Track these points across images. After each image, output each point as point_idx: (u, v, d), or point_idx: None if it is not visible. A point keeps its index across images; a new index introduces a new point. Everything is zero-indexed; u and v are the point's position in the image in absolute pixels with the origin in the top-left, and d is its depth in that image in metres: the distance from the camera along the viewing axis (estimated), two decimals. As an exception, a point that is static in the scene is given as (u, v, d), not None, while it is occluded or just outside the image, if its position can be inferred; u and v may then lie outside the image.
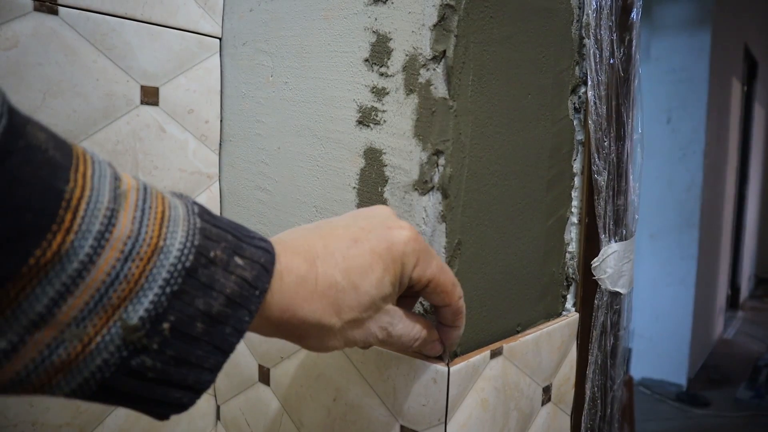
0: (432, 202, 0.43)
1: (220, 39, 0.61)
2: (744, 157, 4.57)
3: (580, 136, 0.57)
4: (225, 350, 0.28)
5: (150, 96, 0.56)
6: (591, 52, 0.55)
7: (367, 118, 0.46)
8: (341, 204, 0.49)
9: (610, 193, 0.57)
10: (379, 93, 0.45)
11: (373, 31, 0.45)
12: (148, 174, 0.56)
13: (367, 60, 0.46)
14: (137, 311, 0.25)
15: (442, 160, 0.42)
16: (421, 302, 0.44)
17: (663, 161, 3.21)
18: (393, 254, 0.34)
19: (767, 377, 3.27)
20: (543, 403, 0.54)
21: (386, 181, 0.45)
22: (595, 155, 0.56)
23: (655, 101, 3.20)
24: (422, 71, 0.43)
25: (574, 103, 0.56)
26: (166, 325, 0.25)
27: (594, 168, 0.56)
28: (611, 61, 0.56)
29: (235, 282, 0.28)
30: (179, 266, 0.26)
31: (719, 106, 3.40)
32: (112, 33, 0.52)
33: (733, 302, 4.79)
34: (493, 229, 0.47)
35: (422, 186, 0.43)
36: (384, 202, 0.45)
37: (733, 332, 4.31)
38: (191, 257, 0.26)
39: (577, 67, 0.56)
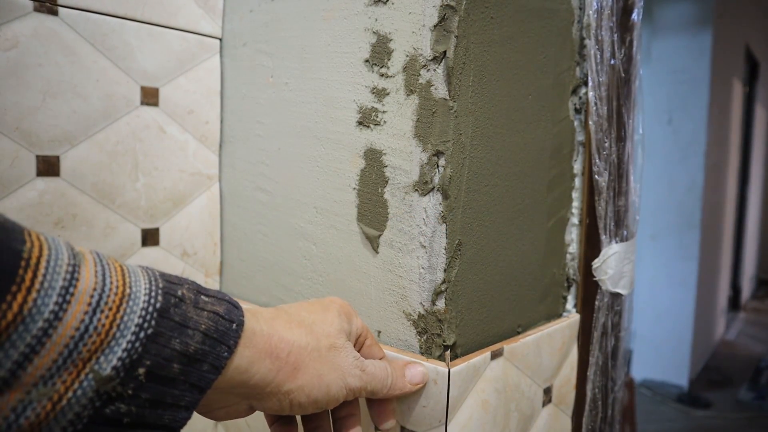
0: (432, 202, 0.43)
1: (220, 40, 0.61)
2: (745, 158, 4.56)
3: (580, 137, 0.57)
4: (202, 387, 0.28)
5: (150, 97, 0.56)
6: (592, 52, 0.55)
7: (367, 119, 0.46)
8: (341, 205, 0.49)
9: (611, 193, 0.57)
10: (380, 94, 0.45)
11: (374, 32, 0.45)
12: (148, 175, 0.56)
13: (367, 61, 0.46)
14: (110, 361, 0.24)
15: (442, 161, 0.42)
16: None
17: (664, 162, 3.21)
18: (337, 305, 0.39)
19: (769, 378, 3.26)
20: (544, 405, 0.54)
21: (386, 181, 0.45)
22: (596, 156, 0.55)
23: (656, 102, 3.19)
24: (423, 72, 0.43)
25: (575, 104, 0.56)
26: (141, 371, 0.25)
27: (595, 169, 0.56)
28: (612, 61, 0.56)
29: (208, 317, 0.28)
30: (150, 308, 0.26)
31: (720, 106, 3.40)
32: (112, 34, 0.52)
33: (734, 303, 4.78)
34: (493, 230, 0.47)
35: (422, 187, 0.43)
36: (384, 203, 0.45)
37: (735, 333, 4.30)
38: (160, 298, 0.26)
39: (577, 68, 0.56)
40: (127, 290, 0.25)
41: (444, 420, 0.42)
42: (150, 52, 0.55)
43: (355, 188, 0.48)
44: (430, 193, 0.43)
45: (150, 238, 0.57)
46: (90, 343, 0.24)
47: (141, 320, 0.25)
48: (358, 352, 0.40)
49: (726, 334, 4.24)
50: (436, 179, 0.42)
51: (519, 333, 0.51)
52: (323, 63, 0.49)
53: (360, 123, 0.47)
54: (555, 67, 0.52)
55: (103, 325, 0.24)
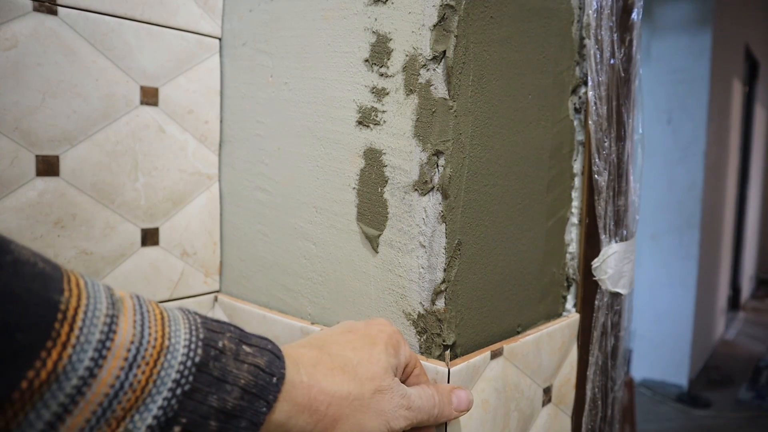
0: (432, 202, 0.43)
1: (219, 39, 0.60)
2: (745, 157, 4.56)
3: (580, 137, 0.57)
4: None
5: (149, 96, 0.56)
6: (591, 52, 0.55)
7: (366, 119, 0.46)
8: (341, 204, 0.49)
9: (611, 193, 0.57)
10: (379, 93, 0.45)
11: (373, 32, 0.45)
12: (147, 174, 0.56)
13: (367, 60, 0.46)
14: (145, 420, 0.23)
15: (442, 161, 0.42)
16: None
17: (663, 162, 3.21)
18: (385, 335, 0.37)
19: (768, 378, 3.26)
20: (543, 404, 0.54)
21: (386, 181, 0.45)
22: (596, 155, 0.55)
23: (656, 102, 3.19)
24: (422, 71, 0.43)
25: (575, 104, 0.56)
26: (177, 429, 0.24)
27: (594, 168, 0.56)
28: (612, 61, 0.56)
29: (248, 371, 0.27)
30: (188, 363, 0.24)
31: (720, 106, 3.40)
32: (111, 33, 0.52)
33: (734, 303, 4.79)
34: (493, 230, 0.47)
35: (422, 186, 0.43)
36: (384, 202, 0.45)
37: (734, 333, 4.30)
38: (200, 351, 0.25)
39: (577, 68, 0.56)
40: (166, 342, 0.24)
41: (444, 420, 0.42)
42: (149, 52, 0.55)
43: (354, 188, 0.48)
44: (430, 193, 0.43)
45: (150, 237, 0.57)
46: (125, 401, 0.23)
47: (179, 375, 0.24)
48: (406, 381, 0.39)
49: (725, 334, 4.24)
50: (436, 179, 0.42)
51: (519, 333, 0.51)
52: (323, 63, 0.49)
53: (360, 123, 0.47)
54: (555, 67, 0.52)
55: (140, 381, 0.23)
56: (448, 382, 0.41)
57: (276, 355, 0.29)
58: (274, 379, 0.28)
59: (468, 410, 0.40)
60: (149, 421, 0.23)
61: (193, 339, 0.25)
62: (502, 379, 0.47)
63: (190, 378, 0.24)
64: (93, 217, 0.53)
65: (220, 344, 0.26)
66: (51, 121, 0.49)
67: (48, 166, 0.50)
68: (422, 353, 0.44)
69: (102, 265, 0.53)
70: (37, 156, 0.49)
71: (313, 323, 0.52)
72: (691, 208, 3.18)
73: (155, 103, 0.56)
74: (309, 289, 0.53)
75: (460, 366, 0.42)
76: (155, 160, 0.57)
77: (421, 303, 0.44)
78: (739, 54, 3.89)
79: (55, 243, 0.50)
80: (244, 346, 0.28)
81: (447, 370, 0.41)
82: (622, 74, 0.57)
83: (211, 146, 0.61)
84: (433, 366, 0.42)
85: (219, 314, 0.61)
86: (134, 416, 0.23)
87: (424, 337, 0.44)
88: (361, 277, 0.48)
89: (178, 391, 0.24)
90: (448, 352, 0.43)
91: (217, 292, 0.62)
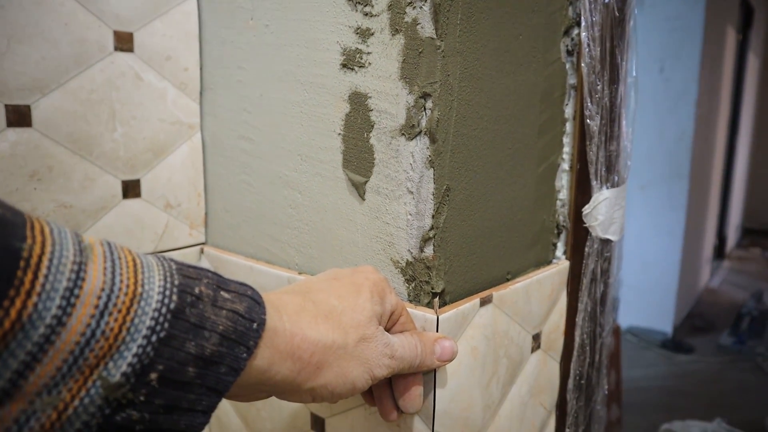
0: (419, 147, 0.41)
1: (196, -20, 0.57)
2: (736, 107, 4.54)
3: (572, 80, 0.55)
4: (220, 390, 0.27)
5: (124, 42, 0.53)
6: (585, -10, 0.52)
7: (351, 61, 0.44)
8: (326, 151, 0.47)
9: (603, 138, 0.56)
10: (364, 34, 0.43)
11: (356, -33, 0.43)
12: (126, 124, 0.54)
13: (350, -1, 0.44)
14: (119, 367, 0.23)
15: (429, 104, 0.41)
16: None
17: (654, 112, 3.19)
18: (371, 282, 0.37)
19: (749, 324, 3.35)
20: (533, 351, 0.54)
21: (372, 126, 0.44)
22: (588, 99, 0.54)
23: (649, 50, 3.14)
24: (408, 10, 0.40)
25: (567, 46, 0.54)
26: (153, 376, 0.24)
27: (586, 113, 0.54)
28: (606, 0, 0.54)
29: (227, 317, 0.26)
30: (163, 309, 0.24)
31: (713, 55, 3.35)
32: (79, -27, 0.49)
33: (719, 252, 4.87)
34: (482, 175, 0.46)
35: (409, 130, 0.41)
36: (370, 148, 0.44)
37: (719, 281, 4.39)
38: (175, 297, 0.25)
39: (570, 8, 0.54)
40: (139, 289, 0.24)
41: (433, 366, 0.42)
42: (121, -6, 0.52)
43: (340, 134, 0.46)
44: (417, 137, 0.41)
45: (131, 189, 0.55)
46: (97, 349, 0.22)
47: (153, 322, 0.23)
48: (391, 328, 0.39)
49: (710, 282, 4.33)
50: (423, 122, 0.41)
51: (508, 280, 0.51)
52: (305, 2, 0.47)
53: (344, 65, 0.45)
54: (547, 6, 0.50)
55: (112, 329, 0.22)
56: (437, 329, 0.41)
57: (256, 301, 0.29)
58: (254, 325, 0.28)
59: (451, 360, 0.40)
60: (123, 368, 0.23)
61: (168, 286, 0.25)
62: (492, 326, 0.47)
63: (166, 325, 0.24)
64: (70, 170, 0.51)
65: (197, 290, 0.26)
66: (19, 69, 0.47)
67: (19, 117, 0.47)
68: (411, 301, 0.44)
69: (83, 218, 0.52)
70: (6, 105, 0.46)
71: (300, 273, 0.51)
72: (680, 159, 3.18)
73: (130, 49, 0.54)
74: (295, 239, 0.52)
75: (449, 313, 0.42)
76: (133, 109, 0.54)
77: (409, 250, 0.43)
78: (733, 0, 3.82)
79: (31, 196, 0.49)
80: (222, 292, 0.27)
81: (436, 317, 0.41)
82: (617, 14, 0.55)
83: (191, 94, 0.59)
84: (421, 314, 0.42)
85: (205, 266, 0.60)
86: (108, 364, 0.22)
87: (413, 284, 0.43)
88: (348, 225, 0.47)
89: (153, 338, 0.23)
90: (436, 299, 0.43)
91: (203, 244, 0.61)
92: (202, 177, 0.60)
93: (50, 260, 0.21)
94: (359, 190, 0.45)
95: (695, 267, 3.79)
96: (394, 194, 0.43)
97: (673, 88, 3.14)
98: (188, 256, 0.60)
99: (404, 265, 0.44)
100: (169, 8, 0.56)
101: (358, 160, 0.45)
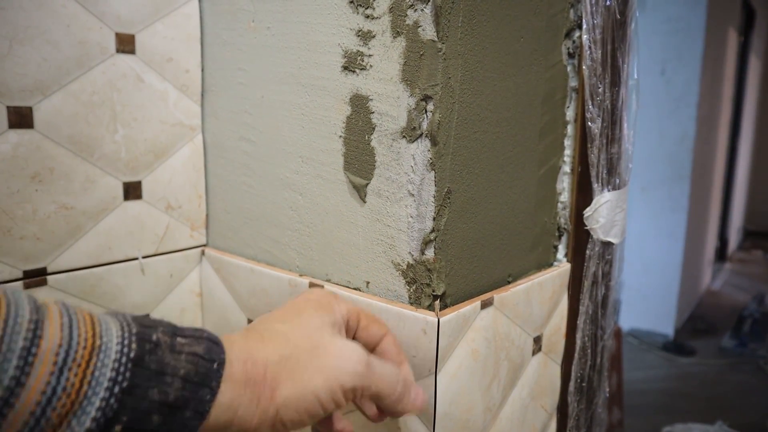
0: (420, 149, 0.41)
1: (197, -18, 0.57)
2: (737, 108, 4.54)
3: (573, 83, 0.55)
4: None
5: (125, 44, 0.53)
6: (587, -8, 0.52)
7: (352, 64, 0.44)
8: (327, 153, 0.47)
9: (604, 141, 0.56)
10: (365, 36, 0.43)
11: (358, -31, 0.43)
12: (127, 126, 0.54)
13: (351, 1, 0.44)
14: (83, 423, 0.22)
15: (430, 106, 0.41)
16: None
17: (656, 114, 3.19)
18: (312, 300, 0.37)
19: (751, 326, 3.35)
20: (533, 353, 0.54)
21: (373, 128, 0.44)
22: (589, 102, 0.54)
23: (650, 52, 3.14)
24: (409, 12, 0.40)
25: (568, 48, 0.54)
26: (118, 428, 0.23)
27: (588, 115, 0.54)
28: (607, 2, 0.54)
29: (187, 360, 0.26)
30: (124, 359, 0.24)
31: (714, 57, 3.35)
32: (80, -25, 0.49)
33: (721, 254, 4.86)
34: (483, 178, 0.46)
35: (410, 133, 0.41)
36: (371, 150, 0.44)
37: (720, 284, 4.39)
38: (134, 346, 0.24)
39: (571, 10, 0.54)
40: (98, 341, 0.23)
41: (434, 369, 0.42)
42: (123, -4, 0.52)
43: (341, 136, 0.46)
44: (419, 140, 0.41)
45: (132, 191, 0.55)
46: (60, 407, 0.22)
47: (114, 373, 0.23)
48: (355, 334, 0.38)
49: (712, 284, 4.32)
50: (425, 125, 0.41)
51: (509, 282, 0.51)
52: (306, 5, 0.47)
53: (345, 68, 0.45)
54: (548, 9, 0.50)
55: (73, 385, 0.22)
56: (438, 332, 0.41)
57: (214, 342, 0.29)
58: (215, 365, 0.27)
59: (420, 410, 0.39)
60: (88, 424, 0.22)
61: (126, 335, 0.25)
62: (493, 328, 0.47)
63: (127, 374, 0.24)
64: (72, 171, 0.51)
65: (155, 337, 0.26)
66: (21, 70, 0.47)
67: (21, 118, 0.47)
68: (411, 303, 0.44)
69: (84, 219, 0.52)
70: (8, 107, 0.46)
71: (301, 275, 0.51)
72: (681, 160, 3.18)
73: (132, 51, 0.54)
74: (296, 241, 0.52)
75: (450, 316, 0.42)
76: (135, 111, 0.54)
77: (410, 253, 0.43)
78: (735, 2, 3.82)
79: (33, 198, 0.49)
80: (179, 338, 0.27)
81: (437, 320, 0.41)
82: (618, 16, 0.55)
83: (192, 96, 0.59)
84: (422, 316, 0.42)
85: (207, 268, 0.60)
86: (71, 422, 0.22)
87: (414, 287, 0.43)
88: (349, 228, 0.47)
89: (116, 389, 0.23)
90: (437, 302, 0.43)
91: (204, 245, 0.61)
92: (203, 179, 0.60)
93: (5, 321, 0.21)
94: (360, 192, 0.45)
95: (697, 269, 3.79)
96: (395, 197, 0.43)
97: (675, 90, 3.14)
98: (189, 258, 0.60)
99: (405, 267, 0.44)
100: (170, 10, 0.56)
101: (359, 163, 0.45)
